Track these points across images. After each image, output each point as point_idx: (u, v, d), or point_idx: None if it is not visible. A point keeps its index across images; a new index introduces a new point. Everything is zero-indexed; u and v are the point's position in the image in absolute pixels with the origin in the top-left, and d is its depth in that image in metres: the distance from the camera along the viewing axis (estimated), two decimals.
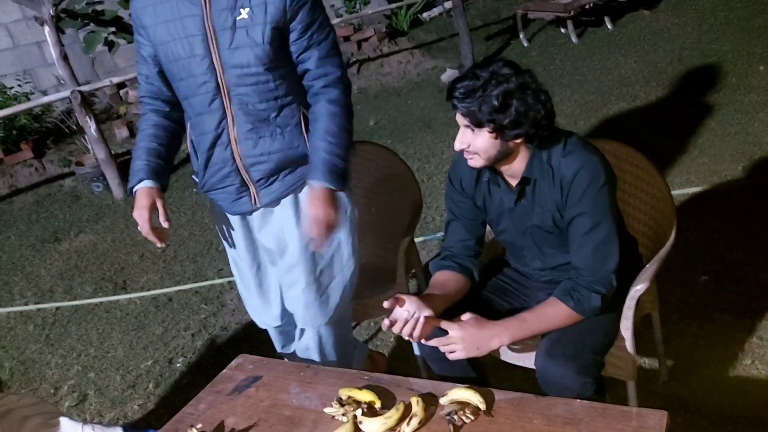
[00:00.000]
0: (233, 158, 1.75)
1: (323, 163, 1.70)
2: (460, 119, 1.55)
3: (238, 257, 1.97)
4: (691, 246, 2.74)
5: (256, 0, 1.63)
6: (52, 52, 4.25)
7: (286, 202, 1.81)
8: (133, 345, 2.97)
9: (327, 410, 1.49)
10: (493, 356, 1.74)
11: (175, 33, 1.67)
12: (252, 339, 2.74)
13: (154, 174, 1.77)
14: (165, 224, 1.73)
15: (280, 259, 1.88)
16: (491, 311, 1.69)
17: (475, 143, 1.55)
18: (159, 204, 1.74)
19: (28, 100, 4.81)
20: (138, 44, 1.78)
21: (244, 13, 1.63)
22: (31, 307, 3.43)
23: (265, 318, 2.04)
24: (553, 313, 1.57)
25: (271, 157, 1.74)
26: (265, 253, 1.92)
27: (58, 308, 3.38)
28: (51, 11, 4.06)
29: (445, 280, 1.72)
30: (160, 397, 2.60)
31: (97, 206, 4.39)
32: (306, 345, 1.97)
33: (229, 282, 3.26)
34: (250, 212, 1.84)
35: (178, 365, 2.77)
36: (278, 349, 2.12)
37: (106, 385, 2.73)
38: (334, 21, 5.86)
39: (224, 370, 1.75)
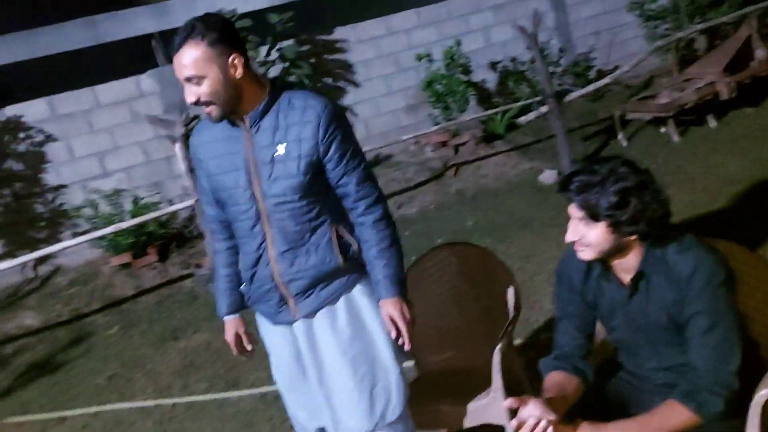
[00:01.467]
0: (272, 276, 1.93)
1: (386, 279, 1.92)
2: (575, 212, 1.59)
3: (282, 365, 2.09)
4: None
5: (291, 136, 1.82)
6: (180, 165, 4.72)
7: (322, 313, 1.96)
8: None
9: None
10: None
11: (224, 167, 1.90)
12: None
13: (234, 306, 2.11)
14: (248, 347, 2.15)
15: (321, 367, 1.98)
16: (605, 416, 1.65)
17: (588, 236, 1.58)
18: (241, 332, 2.12)
19: (157, 208, 5.29)
20: (197, 175, 2.05)
21: (281, 149, 1.83)
22: (150, 402, 3.63)
23: (313, 422, 2.09)
24: (672, 416, 1.53)
25: (307, 273, 1.91)
26: (308, 361, 2.01)
27: (174, 404, 3.56)
28: (182, 130, 4.56)
29: (560, 381, 1.71)
30: None
31: (212, 306, 4.60)
32: None
33: None
34: (291, 323, 1.99)
35: None
36: None
37: None
38: (433, 128, 6.14)
39: None
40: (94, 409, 3.66)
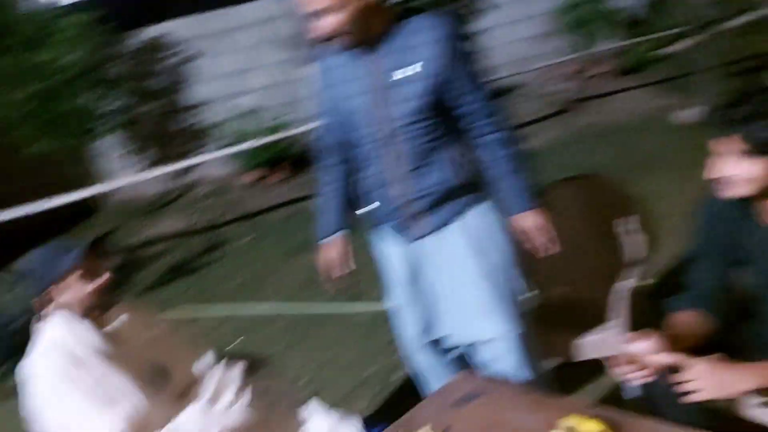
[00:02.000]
0: (397, 196, 2.00)
1: (522, 192, 2.01)
2: (731, 145, 1.50)
3: (399, 283, 2.17)
4: None
5: (418, 57, 1.86)
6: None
7: (444, 230, 2.03)
8: (363, 351, 3.26)
9: None
10: (730, 412, 1.63)
11: (349, 91, 1.94)
12: None
13: (343, 224, 2.14)
14: (349, 267, 2.14)
15: (445, 280, 2.08)
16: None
17: (744, 172, 1.49)
18: (347, 251, 2.13)
19: (291, 127, 5.51)
20: (320, 99, 2.08)
21: (408, 71, 1.86)
22: (278, 309, 3.91)
23: (425, 338, 2.19)
24: None
25: (430, 191, 1.98)
26: (432, 275, 2.10)
27: (299, 313, 3.81)
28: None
29: (688, 320, 1.68)
30: (385, 399, 2.83)
31: None
32: (493, 356, 2.11)
33: None
34: (413, 241, 2.07)
35: (401, 374, 2.99)
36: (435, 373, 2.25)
37: (337, 383, 3.03)
38: (567, 57, 5.89)
39: (448, 383, 1.88)
40: (226, 312, 3.99)
